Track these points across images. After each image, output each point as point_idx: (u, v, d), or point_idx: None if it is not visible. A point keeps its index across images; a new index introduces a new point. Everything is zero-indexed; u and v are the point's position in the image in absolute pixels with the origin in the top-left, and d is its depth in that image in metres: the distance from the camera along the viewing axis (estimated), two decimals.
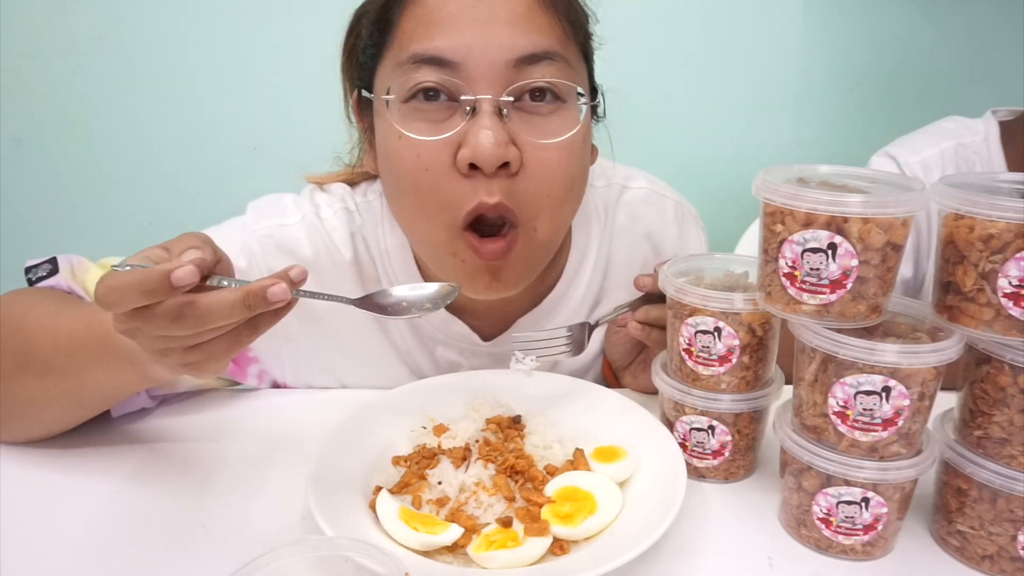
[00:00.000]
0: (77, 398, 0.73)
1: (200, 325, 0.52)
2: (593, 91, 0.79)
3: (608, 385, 0.94)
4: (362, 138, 0.84)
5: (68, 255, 0.83)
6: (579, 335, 0.82)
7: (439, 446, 0.72)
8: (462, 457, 0.70)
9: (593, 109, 0.78)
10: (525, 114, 0.70)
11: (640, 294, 0.82)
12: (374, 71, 0.74)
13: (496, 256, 0.73)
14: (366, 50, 0.75)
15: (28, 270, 0.81)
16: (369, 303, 0.62)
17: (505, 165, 0.69)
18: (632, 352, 0.88)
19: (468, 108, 0.68)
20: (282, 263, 0.82)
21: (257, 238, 0.85)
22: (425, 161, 0.70)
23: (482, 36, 0.66)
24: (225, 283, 0.56)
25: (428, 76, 0.67)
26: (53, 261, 0.81)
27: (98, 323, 0.67)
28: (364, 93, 0.77)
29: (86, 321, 0.69)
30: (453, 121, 0.69)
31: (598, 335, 0.94)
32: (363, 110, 0.80)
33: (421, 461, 0.70)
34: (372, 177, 0.91)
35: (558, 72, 0.69)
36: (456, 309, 0.88)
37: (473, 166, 0.68)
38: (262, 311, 0.53)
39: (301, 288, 0.56)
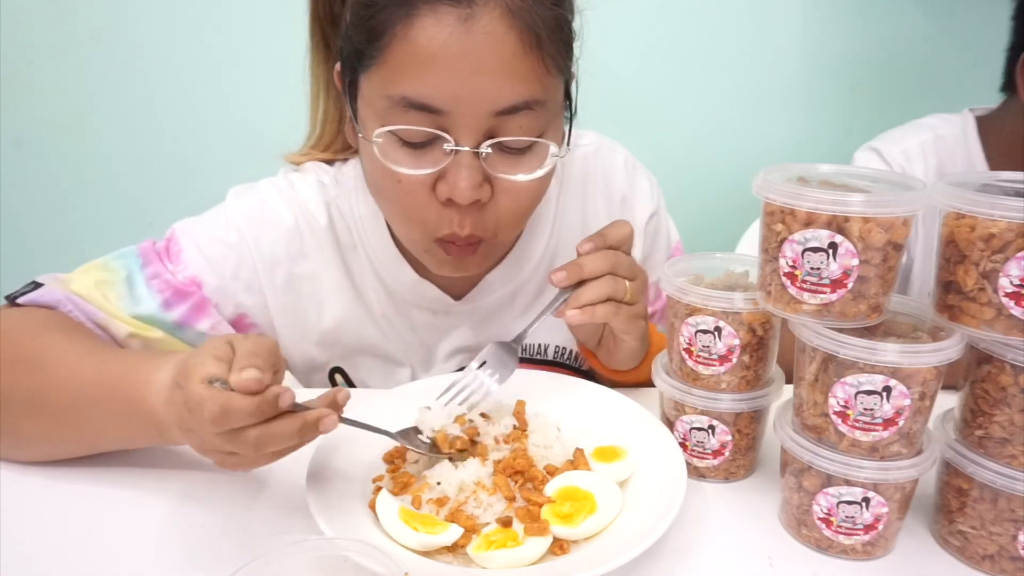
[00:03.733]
0: (86, 445, 0.73)
1: (259, 449, 0.57)
2: (568, 95, 0.80)
3: (591, 365, 0.94)
4: (343, 107, 0.84)
5: (47, 275, 0.82)
6: (506, 354, 0.76)
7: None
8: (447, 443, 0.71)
9: (568, 105, 0.81)
10: (501, 153, 0.74)
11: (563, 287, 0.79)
12: (357, 70, 0.75)
13: (464, 255, 0.80)
14: (349, 38, 0.74)
15: (9, 296, 0.79)
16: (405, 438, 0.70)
17: (477, 200, 0.74)
18: (597, 331, 0.87)
19: (449, 149, 0.71)
20: (267, 233, 0.88)
21: (241, 213, 0.89)
22: (406, 187, 0.74)
23: (470, 87, 0.69)
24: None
25: (415, 122, 0.71)
26: (33, 284, 0.80)
27: (126, 382, 0.67)
28: (351, 108, 0.78)
29: (112, 376, 0.69)
30: (434, 155, 0.73)
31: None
32: (344, 77, 0.79)
33: (403, 455, 0.71)
34: (345, 157, 0.95)
35: (535, 120, 0.73)
36: (426, 271, 0.91)
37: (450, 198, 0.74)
38: (309, 440, 0.60)
39: (347, 417, 0.63)
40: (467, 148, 0.71)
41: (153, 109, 1.73)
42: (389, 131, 0.72)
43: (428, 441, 0.70)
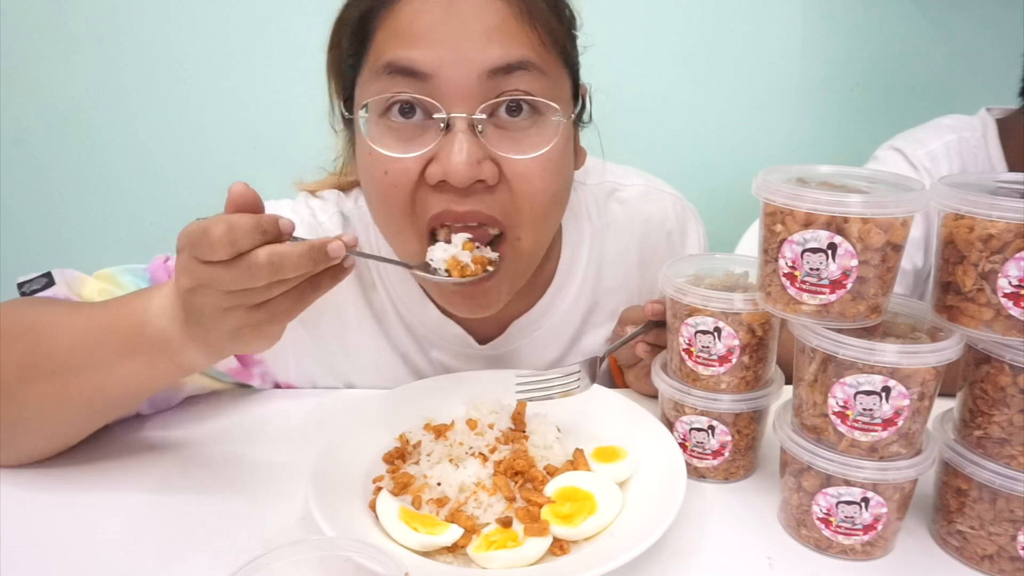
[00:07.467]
0: (96, 398, 0.68)
1: (274, 274, 0.54)
2: (577, 96, 0.77)
3: (613, 380, 0.93)
4: (347, 147, 0.83)
5: (62, 270, 0.80)
6: (589, 370, 0.77)
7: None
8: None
9: (578, 115, 0.77)
10: (501, 129, 0.69)
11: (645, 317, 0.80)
12: (354, 82, 0.73)
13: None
14: (347, 60, 0.74)
15: (21, 284, 0.77)
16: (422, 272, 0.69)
17: (480, 180, 0.69)
18: (636, 358, 0.88)
19: (442, 124, 0.67)
20: None
21: None
22: (393, 178, 0.70)
23: (454, 48, 0.65)
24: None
25: (402, 87, 0.67)
26: (47, 275, 0.78)
27: (125, 314, 0.64)
28: (343, 110, 0.77)
29: (108, 315, 0.66)
30: (426, 138, 0.68)
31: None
32: (347, 120, 0.80)
33: (403, 456, 0.72)
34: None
35: (533, 83, 0.68)
36: (451, 311, 0.88)
37: (444, 182, 0.69)
38: (323, 266, 0.58)
39: (356, 249, 0.61)
40: (460, 115, 0.66)
41: (153, 108, 1.74)
42: (381, 118, 0.69)
43: (440, 271, 0.70)
